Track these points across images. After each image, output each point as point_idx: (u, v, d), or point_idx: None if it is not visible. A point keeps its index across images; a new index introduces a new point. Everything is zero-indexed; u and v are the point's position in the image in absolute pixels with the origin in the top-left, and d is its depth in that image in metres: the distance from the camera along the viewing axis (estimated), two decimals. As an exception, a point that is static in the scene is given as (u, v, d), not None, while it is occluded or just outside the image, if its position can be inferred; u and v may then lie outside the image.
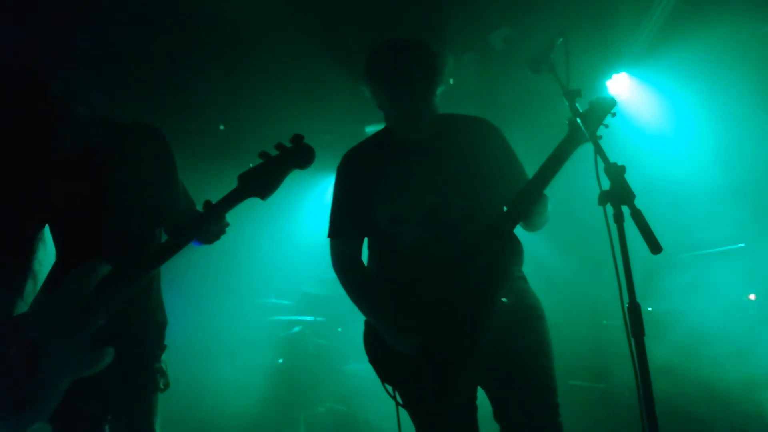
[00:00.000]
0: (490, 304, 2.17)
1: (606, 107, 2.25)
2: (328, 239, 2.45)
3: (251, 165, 2.03)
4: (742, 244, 4.38)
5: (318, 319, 5.64)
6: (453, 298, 2.16)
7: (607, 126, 2.24)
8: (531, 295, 2.35)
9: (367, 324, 2.40)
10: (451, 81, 5.73)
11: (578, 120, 2.02)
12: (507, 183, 2.28)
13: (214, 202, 2.03)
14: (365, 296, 2.36)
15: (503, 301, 2.20)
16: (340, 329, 5.72)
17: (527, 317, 2.27)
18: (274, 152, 2.05)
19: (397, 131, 2.39)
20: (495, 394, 2.24)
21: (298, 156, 2.04)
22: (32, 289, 2.05)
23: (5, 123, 1.83)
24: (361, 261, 2.46)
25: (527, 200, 2.15)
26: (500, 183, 2.29)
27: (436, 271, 2.18)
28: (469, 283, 2.16)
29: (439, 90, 2.34)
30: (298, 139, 2.05)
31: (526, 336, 2.24)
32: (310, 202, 6.54)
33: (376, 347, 2.33)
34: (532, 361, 2.21)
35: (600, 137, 2.14)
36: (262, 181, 2.01)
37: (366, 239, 2.45)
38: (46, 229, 2.09)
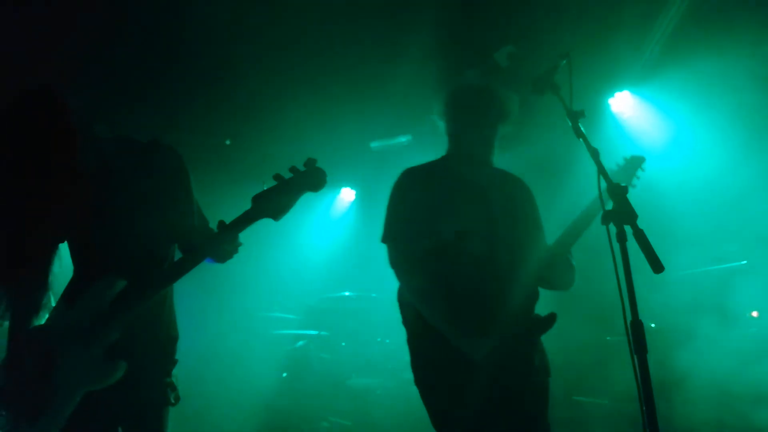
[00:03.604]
0: (538, 323, 2.41)
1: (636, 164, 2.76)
2: (385, 243, 2.50)
3: (264, 186, 2.08)
4: (744, 262, 4.40)
5: (322, 333, 5.65)
6: (508, 310, 2.34)
7: (638, 177, 2.74)
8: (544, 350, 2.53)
9: (419, 328, 2.43)
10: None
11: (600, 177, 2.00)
12: (537, 231, 2.63)
13: (226, 222, 2.07)
14: (434, 298, 2.38)
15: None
16: (343, 344, 5.72)
17: (543, 370, 2.44)
18: (287, 174, 2.10)
19: (458, 164, 2.62)
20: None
21: (311, 179, 2.11)
22: (48, 301, 2.08)
23: (28, 142, 1.86)
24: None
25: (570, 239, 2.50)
26: (531, 228, 2.62)
27: (492, 284, 2.39)
28: (520, 301, 2.39)
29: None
30: (311, 162, 2.12)
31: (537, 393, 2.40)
32: (314, 217, 6.59)
33: (432, 351, 2.37)
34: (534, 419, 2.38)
35: (635, 186, 2.70)
36: (275, 203, 2.07)
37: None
38: (63, 244, 2.13)
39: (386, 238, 2.51)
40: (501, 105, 2.59)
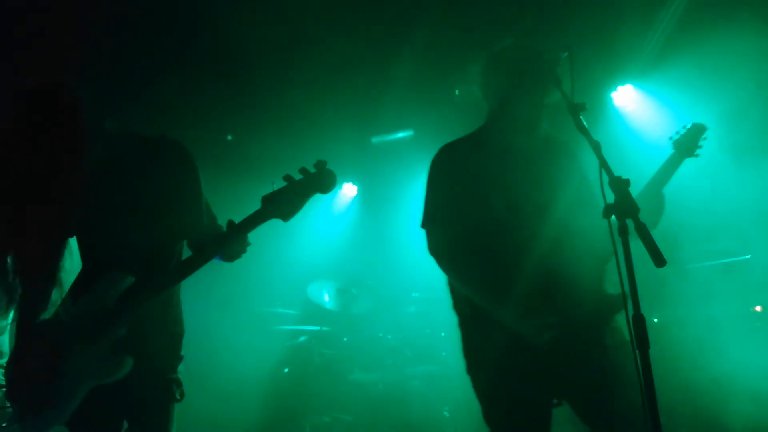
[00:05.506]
0: (610, 302, 2.23)
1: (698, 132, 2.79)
2: (425, 228, 2.37)
3: (274, 186, 2.06)
4: (748, 256, 4.38)
5: (323, 328, 5.65)
6: (569, 290, 2.16)
7: (700, 146, 2.82)
8: None
9: (466, 310, 2.32)
10: (457, 92, 5.78)
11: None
12: (585, 206, 2.36)
13: (236, 221, 2.06)
14: (485, 281, 2.24)
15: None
16: (345, 339, 5.72)
17: (622, 347, 2.18)
18: (297, 175, 2.08)
19: (503, 131, 2.42)
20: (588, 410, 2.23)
21: (321, 180, 2.08)
22: (58, 296, 2.08)
23: (40, 138, 1.87)
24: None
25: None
26: (578, 202, 2.35)
27: (547, 261, 2.19)
28: (582, 279, 2.19)
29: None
30: (321, 164, 2.10)
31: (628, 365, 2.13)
32: (316, 213, 6.57)
33: (482, 334, 2.25)
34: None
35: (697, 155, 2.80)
36: (284, 204, 2.06)
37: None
38: (73, 239, 2.12)
39: (427, 222, 2.36)
40: (552, 67, 2.24)
